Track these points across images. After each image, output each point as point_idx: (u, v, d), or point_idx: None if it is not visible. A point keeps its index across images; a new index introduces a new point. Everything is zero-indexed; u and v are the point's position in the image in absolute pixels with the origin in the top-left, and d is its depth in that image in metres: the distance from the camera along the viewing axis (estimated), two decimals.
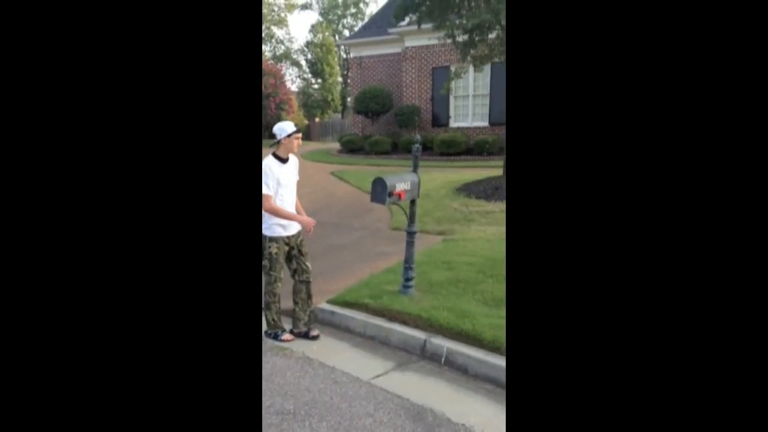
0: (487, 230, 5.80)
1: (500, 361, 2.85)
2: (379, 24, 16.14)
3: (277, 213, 3.27)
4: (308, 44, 31.29)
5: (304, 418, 2.50)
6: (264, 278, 3.36)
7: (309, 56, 31.48)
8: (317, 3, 35.49)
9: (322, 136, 26.15)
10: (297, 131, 3.32)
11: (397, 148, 14.09)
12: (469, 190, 8.08)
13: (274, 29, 31.34)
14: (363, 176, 9.74)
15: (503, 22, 6.80)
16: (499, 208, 6.75)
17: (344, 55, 31.18)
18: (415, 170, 3.72)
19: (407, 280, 3.82)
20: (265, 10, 29.37)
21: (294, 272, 3.50)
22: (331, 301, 3.90)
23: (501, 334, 2.98)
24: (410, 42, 14.50)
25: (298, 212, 3.47)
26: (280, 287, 3.44)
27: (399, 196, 3.48)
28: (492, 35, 7.66)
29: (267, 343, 3.41)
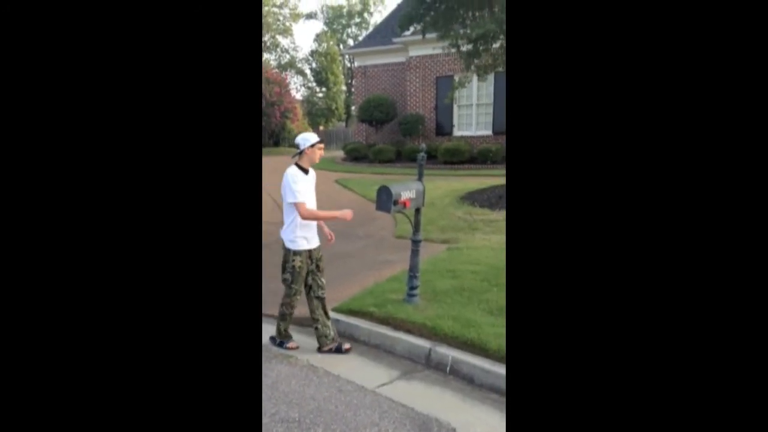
0: (491, 239, 5.79)
1: (506, 371, 2.83)
2: (383, 33, 16.25)
3: (317, 216, 3.26)
4: (313, 53, 31.52)
5: (309, 427, 2.49)
6: (285, 290, 3.35)
7: (314, 65, 31.69)
8: (322, 12, 35.83)
9: (326, 145, 26.17)
10: (320, 141, 3.32)
11: (401, 157, 14.12)
12: (473, 198, 8.08)
13: (280, 38, 31.53)
14: (367, 184, 9.76)
15: None
16: (503, 216, 6.75)
17: (348, 64, 31.34)
18: (420, 179, 3.73)
19: (412, 288, 3.82)
20: (270, 20, 29.57)
21: (309, 288, 3.38)
22: (335, 309, 3.89)
23: None
24: (414, 51, 14.58)
25: (318, 226, 3.45)
26: (298, 300, 3.39)
27: (404, 204, 3.48)
28: (496, 45, 7.70)
29: (272, 350, 3.41)
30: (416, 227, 3.79)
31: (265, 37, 29.86)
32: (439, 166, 12.74)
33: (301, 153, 3.28)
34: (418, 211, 3.77)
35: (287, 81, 24.08)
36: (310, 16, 35.83)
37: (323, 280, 3.43)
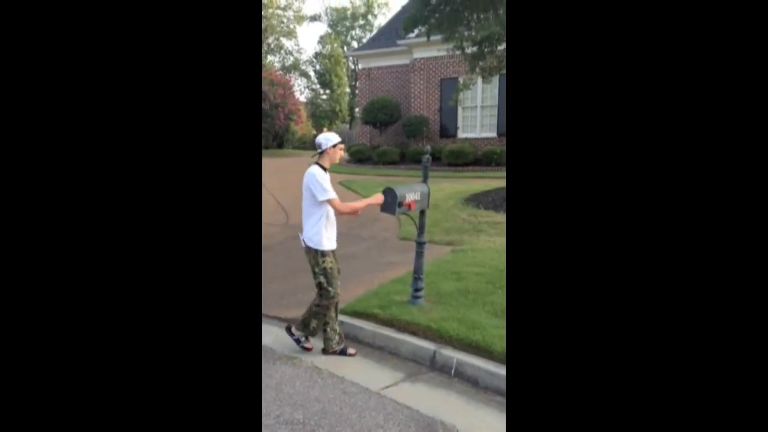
0: (496, 241, 5.78)
1: None
2: (387, 36, 16.26)
3: (354, 208, 3.26)
4: (317, 55, 31.60)
5: (313, 429, 2.49)
6: (322, 293, 3.24)
7: (318, 67, 31.76)
8: (326, 15, 35.88)
9: None
10: (341, 142, 3.33)
11: (405, 159, 14.12)
12: (478, 200, 8.07)
13: (284, 40, 31.65)
14: (371, 186, 9.76)
15: None
16: None
17: (352, 66, 31.39)
18: (425, 180, 3.73)
19: (416, 290, 3.81)
20: (274, 22, 29.68)
21: None
22: (340, 311, 3.88)
23: None
24: (419, 53, 14.59)
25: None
26: (336, 303, 3.33)
27: (409, 206, 3.48)
28: (501, 47, 7.69)
29: (276, 352, 3.40)
30: (421, 229, 3.79)
31: (269, 39, 29.97)
32: (444, 168, 12.74)
33: (322, 153, 3.26)
34: (422, 213, 3.76)
35: (291, 83, 24.14)
36: (314, 18, 35.93)
37: (338, 282, 3.41)
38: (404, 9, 15.75)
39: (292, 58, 32.61)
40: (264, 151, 19.03)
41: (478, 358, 3.06)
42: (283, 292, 4.53)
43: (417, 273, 3.79)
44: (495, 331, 3.25)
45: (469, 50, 7.87)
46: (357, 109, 24.74)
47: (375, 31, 26.42)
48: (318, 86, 32.22)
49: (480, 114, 14.30)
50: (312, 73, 32.77)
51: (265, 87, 19.32)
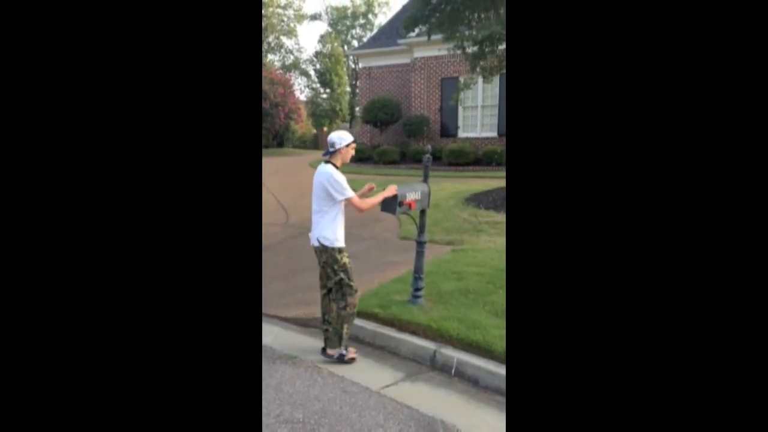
0: (496, 241, 5.78)
1: None
2: (388, 35, 16.25)
3: (373, 203, 3.31)
4: (317, 54, 31.60)
5: (313, 428, 2.49)
6: (345, 291, 3.22)
7: (318, 66, 31.76)
8: (326, 14, 35.85)
9: None
10: (354, 141, 3.33)
11: (406, 158, 14.11)
12: (478, 200, 8.07)
13: (284, 39, 31.65)
14: None
15: None
16: None
17: (353, 65, 31.39)
18: (425, 180, 3.72)
19: (417, 290, 3.81)
20: (274, 20, 29.68)
21: (329, 291, 3.29)
22: None
23: None
24: (419, 53, 14.58)
25: None
26: (359, 297, 3.34)
27: (409, 206, 3.48)
28: (501, 47, 7.69)
29: (276, 352, 3.40)
30: (421, 229, 3.78)
31: (270, 38, 29.97)
32: (444, 168, 12.74)
33: (335, 152, 3.24)
34: (423, 212, 3.76)
35: (291, 82, 24.15)
36: (315, 17, 35.92)
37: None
38: (405, 8, 15.75)
39: (292, 57, 32.63)
40: (264, 150, 19.03)
41: (479, 357, 3.06)
42: (283, 292, 4.53)
43: (417, 273, 3.79)
44: (495, 331, 3.25)
45: (469, 50, 7.87)
46: (357, 109, 24.76)
47: (375, 30, 26.42)
48: (318, 85, 32.24)
49: (480, 114, 14.29)
50: (312, 72, 32.79)
51: (265, 86, 19.32)
